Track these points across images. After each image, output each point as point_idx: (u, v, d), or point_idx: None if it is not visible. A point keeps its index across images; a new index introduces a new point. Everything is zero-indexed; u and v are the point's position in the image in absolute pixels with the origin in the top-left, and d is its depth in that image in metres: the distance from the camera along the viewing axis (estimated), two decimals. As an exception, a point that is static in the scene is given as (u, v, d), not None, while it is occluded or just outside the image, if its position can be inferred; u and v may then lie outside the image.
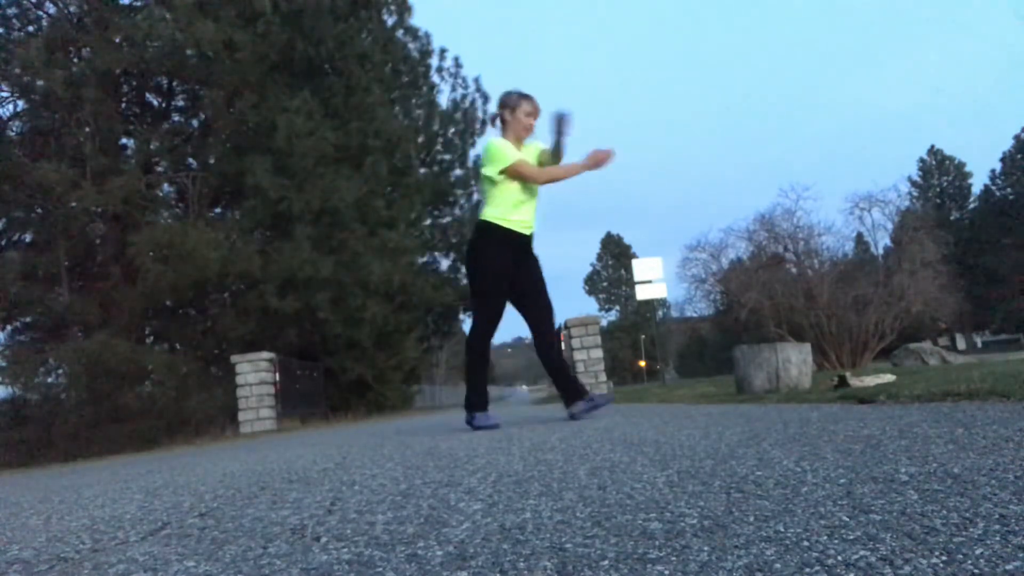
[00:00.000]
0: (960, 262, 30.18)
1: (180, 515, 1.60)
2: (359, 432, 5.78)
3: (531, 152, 4.03)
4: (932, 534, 0.82)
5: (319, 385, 13.46)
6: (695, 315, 23.52)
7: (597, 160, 3.87)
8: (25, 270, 12.14)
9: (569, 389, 3.91)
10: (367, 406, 14.24)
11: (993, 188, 52.99)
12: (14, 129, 14.14)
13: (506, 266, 3.85)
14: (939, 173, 55.49)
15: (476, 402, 3.88)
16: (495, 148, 3.86)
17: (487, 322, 3.92)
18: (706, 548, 0.86)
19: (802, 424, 2.20)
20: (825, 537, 0.85)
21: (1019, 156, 51.98)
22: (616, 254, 71.85)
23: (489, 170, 3.86)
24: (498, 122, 4.01)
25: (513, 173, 3.82)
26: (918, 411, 2.27)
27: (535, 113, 4.01)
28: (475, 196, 19.60)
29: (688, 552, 0.85)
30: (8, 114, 13.99)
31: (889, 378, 4.33)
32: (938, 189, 54.62)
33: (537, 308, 3.93)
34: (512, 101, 3.96)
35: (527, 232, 3.93)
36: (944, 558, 0.73)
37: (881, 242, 17.98)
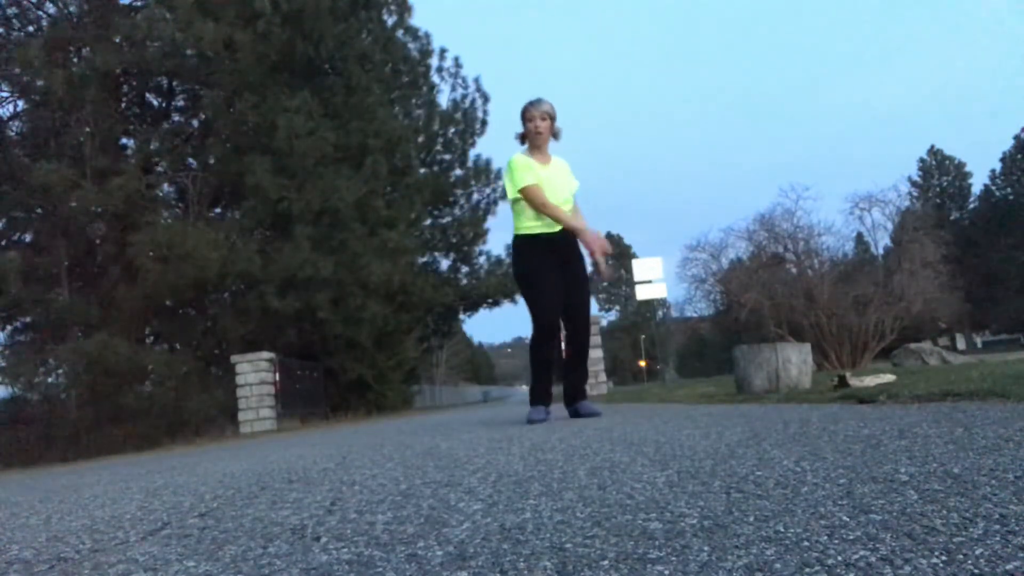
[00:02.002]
0: (960, 262, 30.09)
1: (180, 515, 1.60)
2: (359, 432, 5.77)
3: (560, 169, 4.15)
4: (932, 534, 0.82)
5: (319, 385, 13.46)
6: (695, 315, 23.51)
7: (598, 245, 4.02)
8: (25, 270, 12.13)
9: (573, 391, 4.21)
10: (367, 406, 14.24)
11: (993, 188, 52.95)
12: (14, 129, 14.14)
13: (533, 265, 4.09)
14: (939, 173, 55.43)
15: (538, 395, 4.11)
16: (511, 166, 4.07)
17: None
18: (706, 548, 0.86)
19: (802, 424, 2.20)
20: (825, 537, 0.85)
21: (1019, 156, 51.94)
22: (616, 254, 71.80)
23: (508, 189, 4.08)
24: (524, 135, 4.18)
25: (526, 196, 4.00)
26: (918, 411, 2.27)
27: (536, 117, 4.04)
28: (475, 196, 19.61)
29: (688, 552, 0.85)
30: (8, 114, 14.01)
31: (889, 378, 4.32)
32: (938, 189, 54.55)
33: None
34: (523, 112, 4.10)
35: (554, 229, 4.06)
36: (944, 558, 0.73)
37: (881, 242, 17.98)
